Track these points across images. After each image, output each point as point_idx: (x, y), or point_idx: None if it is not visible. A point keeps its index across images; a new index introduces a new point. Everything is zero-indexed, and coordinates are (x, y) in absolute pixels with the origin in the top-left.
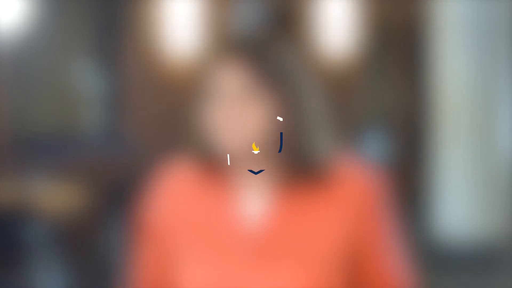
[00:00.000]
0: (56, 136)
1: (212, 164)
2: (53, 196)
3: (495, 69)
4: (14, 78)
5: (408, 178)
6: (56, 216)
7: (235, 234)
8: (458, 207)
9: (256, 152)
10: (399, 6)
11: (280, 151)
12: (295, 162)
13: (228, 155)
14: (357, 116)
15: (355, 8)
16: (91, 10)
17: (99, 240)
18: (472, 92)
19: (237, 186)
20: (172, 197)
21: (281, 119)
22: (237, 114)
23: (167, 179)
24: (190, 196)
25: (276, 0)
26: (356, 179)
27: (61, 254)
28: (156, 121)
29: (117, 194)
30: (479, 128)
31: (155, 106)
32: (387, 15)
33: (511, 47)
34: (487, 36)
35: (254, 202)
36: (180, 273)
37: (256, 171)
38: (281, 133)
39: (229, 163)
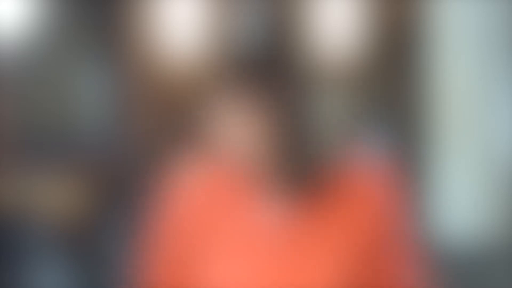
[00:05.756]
0: (57, 136)
1: (228, 164)
2: (56, 196)
3: (497, 67)
4: (14, 78)
5: (412, 177)
6: (59, 216)
7: (254, 234)
8: (461, 206)
9: None
10: (400, 7)
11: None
12: (308, 164)
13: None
14: (361, 116)
15: (359, 10)
16: (91, 9)
17: (105, 240)
18: (473, 91)
19: (255, 188)
20: (189, 197)
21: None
22: (248, 115)
23: (184, 180)
24: (208, 197)
25: (274, 3)
26: (367, 179)
27: (66, 254)
28: (163, 122)
29: (122, 194)
30: (481, 126)
31: (160, 106)
32: (389, 16)
33: (511, 47)
34: (488, 36)
35: (272, 204)
36: (200, 271)
37: (272, 174)
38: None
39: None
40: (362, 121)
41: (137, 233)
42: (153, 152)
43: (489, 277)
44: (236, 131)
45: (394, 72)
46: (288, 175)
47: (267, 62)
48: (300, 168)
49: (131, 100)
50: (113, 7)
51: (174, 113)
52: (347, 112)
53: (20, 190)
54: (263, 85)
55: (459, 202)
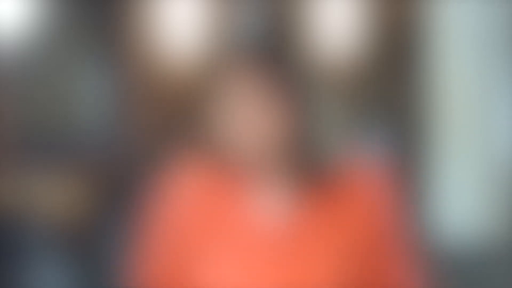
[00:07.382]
0: (57, 136)
1: (227, 164)
2: (56, 196)
3: (497, 68)
4: (14, 78)
5: (411, 176)
6: (59, 216)
7: (251, 232)
8: (461, 206)
9: None
10: (400, 7)
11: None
12: (308, 163)
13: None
14: (361, 115)
15: (359, 10)
16: (91, 9)
17: (105, 240)
18: (473, 92)
19: (253, 186)
20: (189, 195)
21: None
22: (248, 114)
23: (184, 178)
24: (207, 196)
25: (277, 2)
26: (366, 178)
27: (66, 254)
28: (163, 122)
29: (121, 194)
30: (481, 127)
31: (160, 106)
32: (389, 17)
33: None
34: (488, 37)
35: (269, 202)
36: (198, 270)
37: (270, 172)
38: None
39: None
40: (362, 121)
41: (137, 233)
42: (153, 152)
43: (489, 277)
44: (235, 130)
45: (394, 72)
46: (288, 173)
47: (268, 63)
48: (300, 167)
49: (131, 100)
50: (113, 7)
51: (174, 113)
52: (347, 112)
53: (20, 190)
54: (263, 86)
55: (458, 202)
